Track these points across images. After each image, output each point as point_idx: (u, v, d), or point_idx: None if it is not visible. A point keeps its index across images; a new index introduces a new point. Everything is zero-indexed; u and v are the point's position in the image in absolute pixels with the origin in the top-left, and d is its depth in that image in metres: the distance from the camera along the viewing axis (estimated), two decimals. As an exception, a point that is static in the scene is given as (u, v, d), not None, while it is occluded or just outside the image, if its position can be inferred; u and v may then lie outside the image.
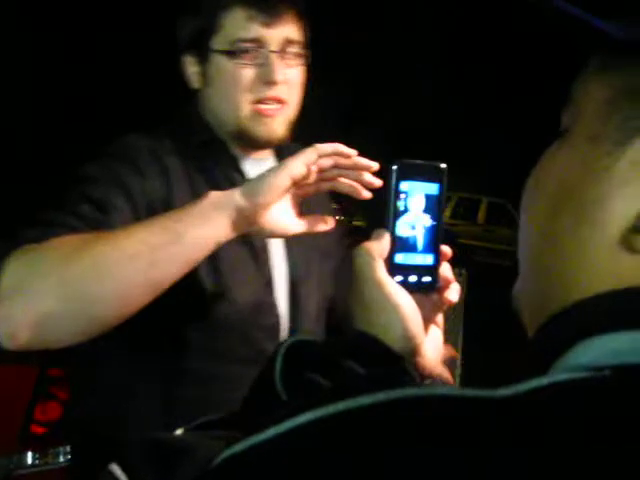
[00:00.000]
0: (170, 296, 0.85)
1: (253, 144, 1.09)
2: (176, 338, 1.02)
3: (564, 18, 0.47)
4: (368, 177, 0.87)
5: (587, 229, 0.42)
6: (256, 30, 1.04)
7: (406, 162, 0.63)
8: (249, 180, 0.92)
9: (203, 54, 1.07)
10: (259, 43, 1.04)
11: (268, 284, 1.09)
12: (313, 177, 0.86)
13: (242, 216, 0.84)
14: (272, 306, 1.09)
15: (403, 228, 0.63)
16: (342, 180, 0.89)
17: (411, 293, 0.62)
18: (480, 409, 0.33)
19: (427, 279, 0.65)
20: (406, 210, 0.63)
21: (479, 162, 12.61)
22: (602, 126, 0.43)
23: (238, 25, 1.04)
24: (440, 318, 0.69)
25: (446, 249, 0.67)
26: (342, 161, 0.87)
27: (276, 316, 1.09)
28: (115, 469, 0.51)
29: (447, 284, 0.67)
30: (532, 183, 0.49)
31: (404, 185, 0.63)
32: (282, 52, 1.06)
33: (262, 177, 0.85)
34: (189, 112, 1.13)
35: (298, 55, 1.09)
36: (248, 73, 1.04)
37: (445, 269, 0.67)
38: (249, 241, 1.06)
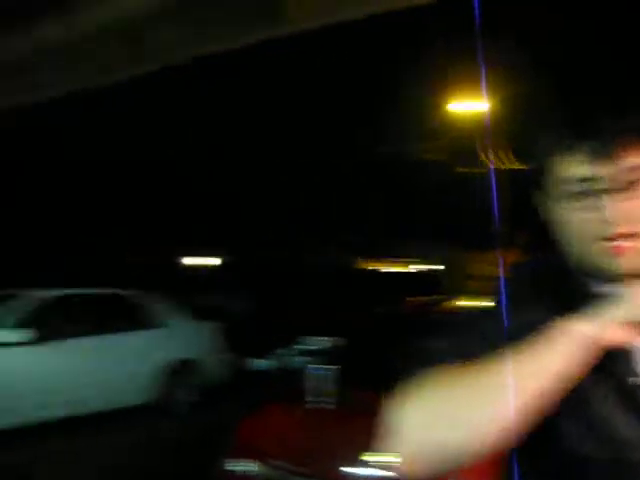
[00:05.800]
0: None
1: (610, 281, 1.02)
2: None
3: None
4: None
5: None
6: (589, 169, 0.98)
7: None
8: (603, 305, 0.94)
9: (544, 192, 1.07)
10: (594, 182, 0.99)
11: None
12: None
13: (590, 344, 0.89)
14: None
15: None
16: None
17: None
18: None
19: None
20: None
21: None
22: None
23: (569, 168, 1.00)
24: None
25: None
26: None
27: None
28: None
29: None
30: None
31: None
32: (622, 185, 0.98)
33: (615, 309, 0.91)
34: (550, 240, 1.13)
35: None
36: (588, 215, 0.99)
37: None
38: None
